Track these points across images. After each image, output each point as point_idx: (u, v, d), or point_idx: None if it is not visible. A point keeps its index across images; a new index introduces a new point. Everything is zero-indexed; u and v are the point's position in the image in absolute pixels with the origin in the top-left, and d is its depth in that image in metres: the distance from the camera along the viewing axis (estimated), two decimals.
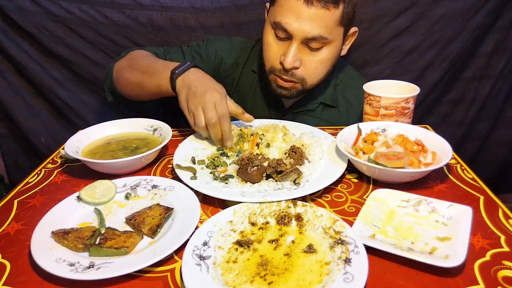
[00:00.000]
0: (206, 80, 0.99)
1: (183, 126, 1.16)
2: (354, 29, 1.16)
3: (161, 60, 1.16)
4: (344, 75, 1.30)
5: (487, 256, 0.65)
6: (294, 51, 1.06)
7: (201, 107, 0.94)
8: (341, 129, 0.99)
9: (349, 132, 0.97)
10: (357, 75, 1.35)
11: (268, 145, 1.00)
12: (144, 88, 1.10)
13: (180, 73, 1.00)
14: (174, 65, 1.03)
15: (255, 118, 1.04)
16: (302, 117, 1.25)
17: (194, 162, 0.93)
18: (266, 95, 1.28)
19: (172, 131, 1.02)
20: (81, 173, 0.95)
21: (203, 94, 0.94)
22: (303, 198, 0.81)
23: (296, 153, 0.88)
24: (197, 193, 0.81)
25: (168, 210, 0.76)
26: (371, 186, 0.87)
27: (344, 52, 1.19)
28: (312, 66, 1.10)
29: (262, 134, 1.03)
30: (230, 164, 0.92)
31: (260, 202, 0.77)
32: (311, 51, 1.08)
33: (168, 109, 1.38)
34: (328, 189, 0.85)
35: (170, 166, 0.97)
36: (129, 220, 0.75)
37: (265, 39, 1.14)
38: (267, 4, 1.16)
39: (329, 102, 1.26)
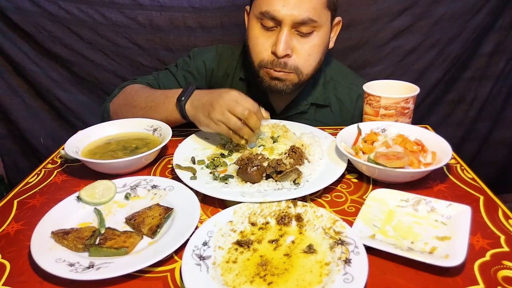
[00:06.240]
0: (212, 91, 0.98)
1: (183, 126, 1.16)
2: (338, 18, 1.16)
3: (158, 90, 1.15)
4: (334, 72, 1.26)
5: (487, 256, 0.65)
6: (285, 37, 1.03)
7: (226, 110, 0.91)
8: (341, 129, 0.99)
9: (349, 132, 0.97)
10: (349, 72, 1.31)
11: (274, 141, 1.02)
12: None
13: (186, 100, 0.99)
14: (175, 93, 1.03)
15: None
16: (295, 120, 1.22)
17: (194, 162, 0.93)
18: (256, 102, 1.25)
19: (172, 131, 1.02)
20: (81, 173, 0.95)
21: (220, 99, 0.92)
22: (303, 198, 0.81)
23: (296, 153, 0.88)
24: (197, 193, 0.81)
25: (168, 210, 0.76)
26: (371, 186, 0.87)
27: (331, 44, 1.17)
28: (305, 53, 1.07)
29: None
30: (230, 164, 0.92)
31: (260, 202, 0.77)
32: (302, 37, 1.05)
33: None
34: (328, 189, 0.85)
35: (170, 166, 0.97)
36: (129, 220, 0.75)
37: (250, 33, 1.11)
38: (247, 7, 1.16)
39: (321, 102, 1.23)
